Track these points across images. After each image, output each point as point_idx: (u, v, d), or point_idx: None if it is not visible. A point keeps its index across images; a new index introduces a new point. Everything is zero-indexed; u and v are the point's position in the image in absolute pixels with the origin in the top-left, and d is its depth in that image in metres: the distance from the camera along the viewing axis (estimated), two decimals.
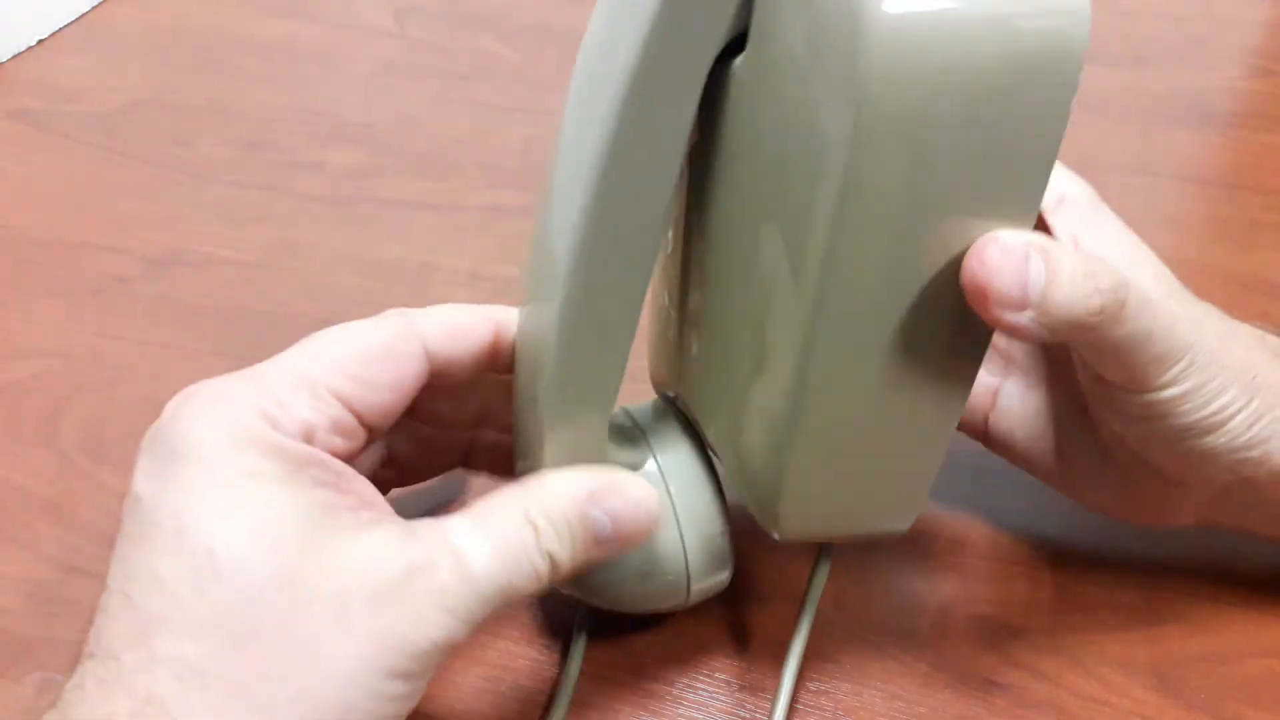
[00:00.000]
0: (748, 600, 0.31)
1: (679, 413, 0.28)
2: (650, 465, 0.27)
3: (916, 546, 0.32)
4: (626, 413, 0.28)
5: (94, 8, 0.60)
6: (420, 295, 0.41)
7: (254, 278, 0.42)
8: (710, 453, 0.27)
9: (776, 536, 0.25)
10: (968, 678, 0.29)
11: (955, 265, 0.20)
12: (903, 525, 0.26)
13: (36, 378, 0.38)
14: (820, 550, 0.27)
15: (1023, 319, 0.20)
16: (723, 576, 0.28)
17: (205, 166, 0.48)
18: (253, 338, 0.40)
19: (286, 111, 0.52)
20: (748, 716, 0.28)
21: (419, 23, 0.59)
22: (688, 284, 0.26)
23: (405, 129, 0.51)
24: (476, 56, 0.56)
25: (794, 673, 0.27)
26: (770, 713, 0.27)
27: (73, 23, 0.59)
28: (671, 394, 0.29)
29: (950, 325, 0.22)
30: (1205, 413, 0.24)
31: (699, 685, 0.29)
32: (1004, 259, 0.20)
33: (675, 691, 0.29)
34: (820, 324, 0.21)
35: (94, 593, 0.31)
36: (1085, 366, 0.25)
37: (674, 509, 0.26)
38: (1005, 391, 0.30)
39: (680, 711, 0.28)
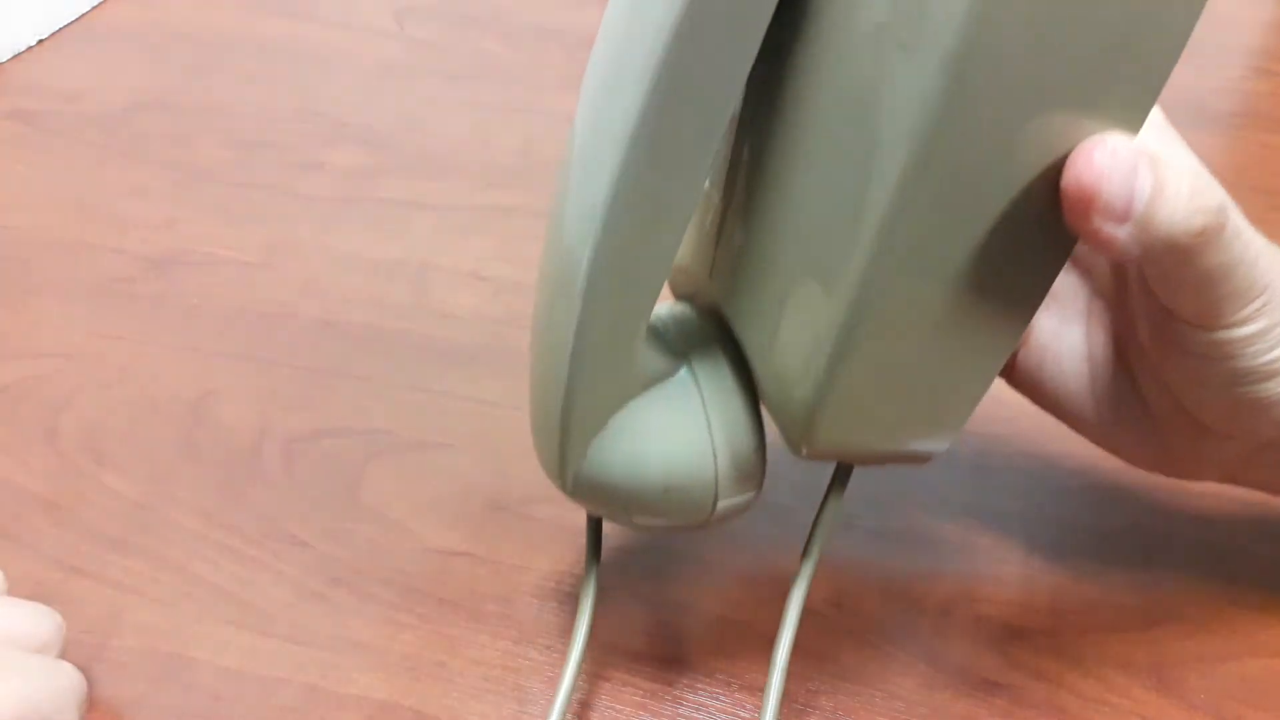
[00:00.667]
0: (748, 600, 0.31)
1: (713, 315, 0.26)
2: (683, 372, 0.25)
3: (917, 546, 0.32)
4: (656, 315, 0.26)
5: (94, 8, 0.60)
6: (420, 295, 0.41)
7: (254, 278, 0.42)
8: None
9: (803, 452, 0.24)
10: (968, 678, 0.29)
11: (1050, 170, 0.19)
12: (940, 447, 0.24)
13: (36, 378, 0.38)
14: (834, 478, 0.26)
15: (1120, 233, 0.19)
16: (749, 495, 0.26)
17: (205, 166, 0.48)
18: (253, 338, 0.40)
19: (286, 111, 0.52)
20: (748, 716, 0.28)
21: (419, 23, 0.59)
22: (738, 166, 0.24)
23: (405, 129, 0.51)
24: (476, 56, 0.56)
25: (795, 616, 0.26)
26: (769, 674, 0.26)
27: (73, 23, 0.59)
28: (691, 301, 0.27)
29: (1032, 237, 0.20)
30: (1269, 358, 0.23)
31: (699, 685, 0.29)
32: (1114, 163, 0.19)
33: (675, 692, 0.29)
34: (895, 224, 0.19)
35: (94, 593, 0.31)
36: (1149, 298, 0.24)
37: (707, 418, 0.24)
38: (1039, 326, 0.28)
39: (680, 711, 0.28)
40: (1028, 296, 0.22)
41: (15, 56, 0.56)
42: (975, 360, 0.22)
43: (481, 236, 0.45)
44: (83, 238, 0.44)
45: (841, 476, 0.26)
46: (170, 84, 0.54)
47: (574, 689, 0.28)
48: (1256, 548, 0.31)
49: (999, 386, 0.35)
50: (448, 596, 0.31)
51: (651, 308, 0.23)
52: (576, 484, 0.25)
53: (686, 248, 0.27)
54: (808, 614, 0.30)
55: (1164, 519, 0.33)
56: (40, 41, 0.57)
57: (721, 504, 0.25)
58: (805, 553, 0.26)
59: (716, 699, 0.29)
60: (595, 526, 0.28)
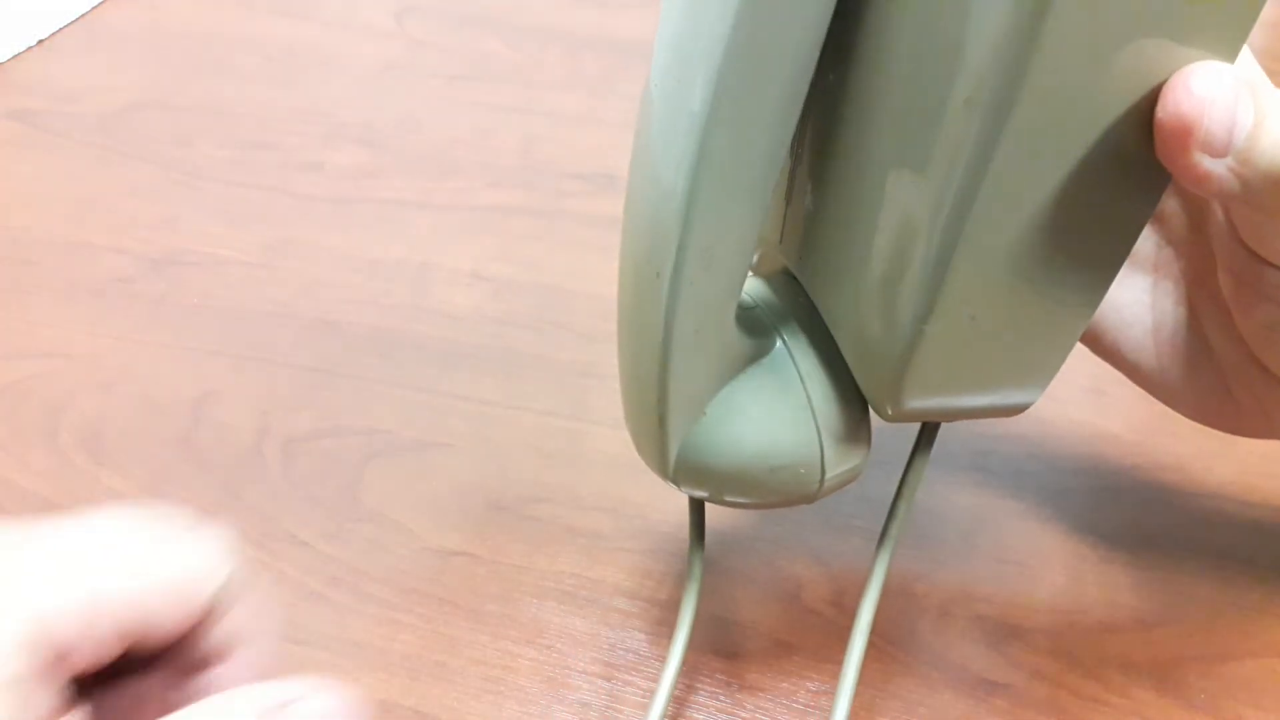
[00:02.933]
0: (748, 601, 0.31)
1: (788, 283, 0.25)
2: (779, 346, 0.24)
3: (917, 546, 0.32)
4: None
5: (94, 8, 0.60)
6: (420, 295, 0.41)
7: (254, 278, 0.42)
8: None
9: (888, 413, 0.23)
10: (968, 678, 0.29)
11: (1143, 102, 0.18)
12: (1031, 398, 0.23)
13: (36, 378, 0.38)
14: (920, 439, 0.25)
15: (1218, 168, 0.18)
16: (858, 461, 0.25)
17: (205, 166, 0.48)
18: (253, 338, 0.40)
19: (286, 111, 0.52)
20: (748, 716, 0.28)
21: (419, 23, 0.59)
22: (806, 122, 0.22)
23: (405, 129, 0.51)
24: (477, 56, 0.56)
25: (880, 582, 0.25)
26: (854, 621, 0.25)
27: (73, 23, 0.59)
28: (759, 270, 0.26)
29: (1125, 176, 0.19)
30: None
31: (699, 685, 0.29)
32: (1214, 93, 0.17)
33: (675, 692, 0.29)
34: (985, 164, 0.19)
35: None
36: (1234, 243, 0.23)
37: (805, 391, 0.24)
38: None
39: (680, 711, 0.28)
40: (1120, 238, 0.21)
41: (15, 56, 0.56)
42: (1066, 307, 0.22)
43: (481, 236, 0.45)
44: (83, 238, 0.44)
45: (928, 437, 0.25)
46: (170, 84, 0.54)
47: (677, 679, 0.27)
48: (1256, 548, 0.31)
49: None
50: (448, 596, 0.31)
51: (742, 284, 0.22)
52: (678, 471, 0.24)
53: None
54: (808, 614, 0.30)
55: (1164, 519, 0.33)
56: (40, 41, 0.57)
57: (830, 476, 0.25)
58: (890, 515, 0.25)
59: (716, 699, 0.29)
60: (698, 509, 0.27)
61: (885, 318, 0.22)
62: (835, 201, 0.23)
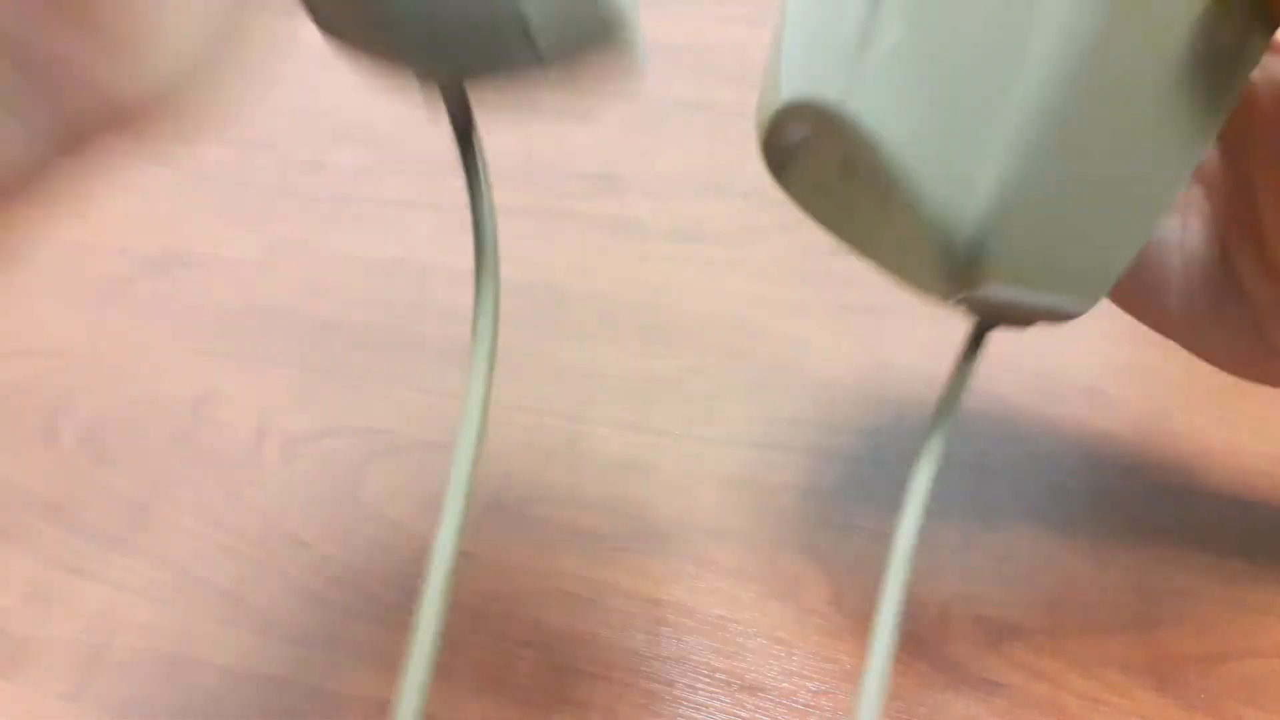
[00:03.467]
0: (748, 601, 0.31)
1: None
2: None
3: (917, 546, 0.32)
4: None
5: None
6: (420, 295, 0.41)
7: (254, 278, 0.42)
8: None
9: (952, 293, 0.22)
10: (968, 678, 0.29)
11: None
12: (1083, 306, 0.23)
13: (36, 377, 0.38)
14: (969, 344, 0.24)
15: None
16: (596, 36, 0.22)
17: (205, 166, 0.48)
18: (253, 338, 0.40)
19: (286, 111, 0.52)
20: (747, 716, 0.28)
21: None
22: None
23: (405, 129, 0.51)
24: None
25: (911, 535, 0.24)
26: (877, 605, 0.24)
27: None
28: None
29: (1211, 52, 0.20)
30: None
31: (699, 685, 0.29)
32: None
33: (675, 692, 0.29)
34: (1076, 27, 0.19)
35: (94, 593, 0.31)
36: (1271, 163, 0.23)
37: None
38: None
39: (680, 711, 0.28)
40: (1207, 123, 0.21)
41: None
42: (1139, 198, 0.21)
43: None
44: (83, 238, 0.44)
45: (975, 341, 0.24)
46: None
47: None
48: (1256, 548, 0.31)
49: (1000, 388, 0.35)
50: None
51: None
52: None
53: (814, 54, 0.24)
54: (808, 614, 0.30)
55: (1164, 519, 0.33)
56: None
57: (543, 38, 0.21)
58: (933, 425, 0.24)
59: (716, 699, 0.29)
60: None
61: (969, 173, 0.21)
62: (923, 39, 0.22)
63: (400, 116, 0.52)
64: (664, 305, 0.40)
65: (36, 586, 0.31)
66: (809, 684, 0.29)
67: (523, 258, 0.43)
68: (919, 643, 0.30)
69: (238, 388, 0.38)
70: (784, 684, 0.29)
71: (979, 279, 0.22)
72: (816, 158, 0.25)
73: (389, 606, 0.31)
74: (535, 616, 0.31)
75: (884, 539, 0.33)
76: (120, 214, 0.46)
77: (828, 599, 0.31)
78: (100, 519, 0.33)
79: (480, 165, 0.24)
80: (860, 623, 0.30)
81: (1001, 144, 0.21)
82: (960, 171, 0.21)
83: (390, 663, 0.29)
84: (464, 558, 0.32)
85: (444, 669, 0.29)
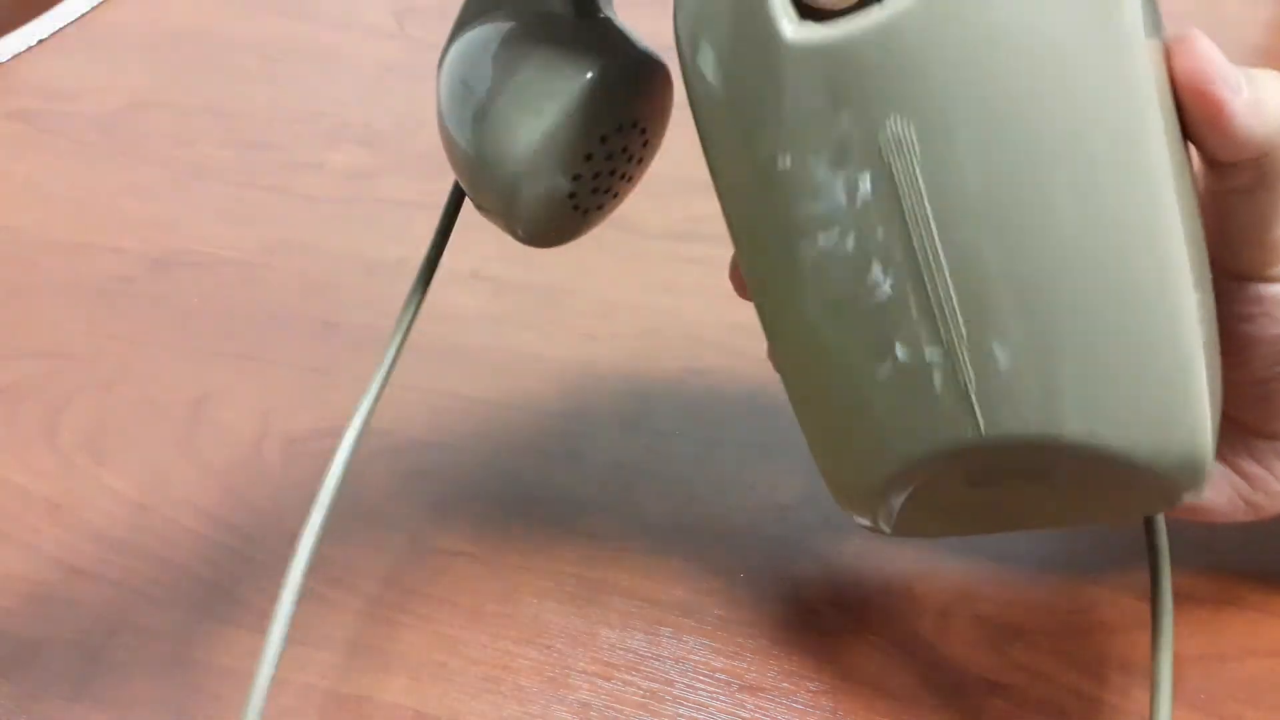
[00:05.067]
0: (747, 601, 0.31)
1: None
2: None
3: (917, 546, 0.32)
4: None
5: (94, 8, 0.60)
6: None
7: (254, 278, 0.42)
8: None
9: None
10: (968, 678, 0.29)
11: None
12: (1171, 451, 0.21)
13: (36, 378, 0.38)
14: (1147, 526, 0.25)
15: (1239, 101, 0.18)
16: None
17: (205, 166, 0.48)
18: (253, 338, 0.40)
19: (286, 111, 0.52)
20: (748, 716, 0.28)
21: (419, 23, 0.59)
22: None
23: (405, 129, 0.51)
24: None
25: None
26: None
27: (73, 23, 0.59)
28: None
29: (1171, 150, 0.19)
30: None
31: (699, 685, 0.29)
32: (1212, 47, 0.18)
33: (675, 692, 0.29)
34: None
35: (94, 593, 0.31)
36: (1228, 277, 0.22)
37: None
38: None
39: (680, 711, 0.28)
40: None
41: (15, 56, 0.56)
42: (1144, 299, 0.20)
43: (481, 236, 0.45)
44: (83, 238, 0.44)
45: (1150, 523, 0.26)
46: (170, 84, 0.54)
47: None
48: (1257, 548, 0.31)
49: None
50: (447, 597, 0.31)
51: None
52: None
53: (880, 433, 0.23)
54: (808, 614, 0.30)
55: (1163, 519, 0.33)
56: (40, 41, 0.57)
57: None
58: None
59: (716, 699, 0.29)
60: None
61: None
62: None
63: (400, 116, 0.52)
64: (664, 305, 0.40)
65: (36, 586, 0.31)
66: (809, 684, 0.29)
67: (523, 258, 0.43)
68: (919, 643, 0.30)
69: (238, 388, 0.38)
70: (784, 684, 0.29)
71: (1202, 481, 0.21)
72: (932, 493, 0.23)
73: (389, 606, 0.31)
74: (535, 616, 0.31)
75: (884, 539, 0.33)
76: (120, 214, 0.46)
77: (828, 599, 0.31)
78: (100, 519, 0.33)
79: None
80: (860, 623, 0.30)
81: (1178, 373, 0.20)
82: (1155, 416, 0.20)
83: (390, 663, 0.29)
84: (464, 558, 0.32)
85: (444, 669, 0.29)
